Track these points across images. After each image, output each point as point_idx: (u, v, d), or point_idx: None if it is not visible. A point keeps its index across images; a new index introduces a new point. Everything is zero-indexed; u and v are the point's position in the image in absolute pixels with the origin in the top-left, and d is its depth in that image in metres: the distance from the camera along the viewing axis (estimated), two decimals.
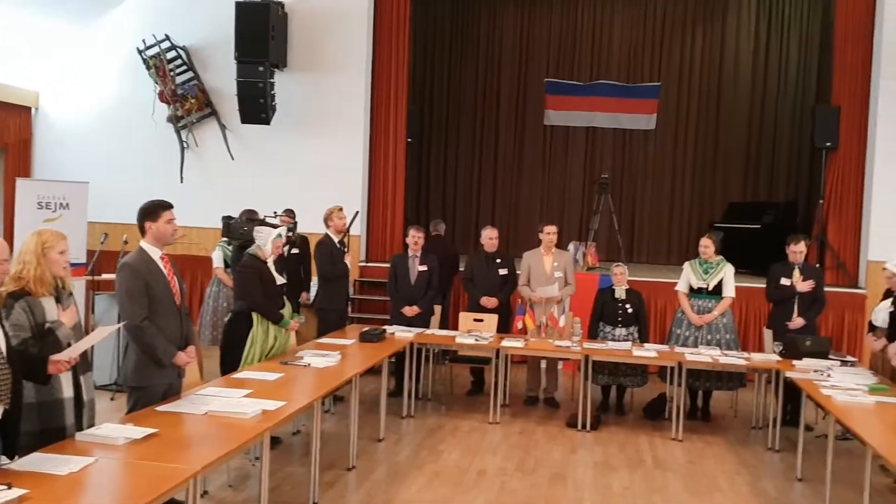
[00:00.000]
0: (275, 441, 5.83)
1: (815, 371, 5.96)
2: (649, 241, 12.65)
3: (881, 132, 9.07)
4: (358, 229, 9.59)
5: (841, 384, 5.50)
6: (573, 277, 7.60)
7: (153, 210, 4.31)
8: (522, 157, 12.84)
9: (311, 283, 7.82)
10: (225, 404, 4.17)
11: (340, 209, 7.30)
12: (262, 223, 6.30)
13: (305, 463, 5.11)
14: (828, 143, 9.54)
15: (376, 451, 5.97)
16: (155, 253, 4.30)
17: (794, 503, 5.30)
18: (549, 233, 7.50)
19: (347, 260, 7.29)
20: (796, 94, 12.08)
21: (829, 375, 5.81)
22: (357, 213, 9.08)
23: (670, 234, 12.60)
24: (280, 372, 5.13)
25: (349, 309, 8.15)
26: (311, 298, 7.65)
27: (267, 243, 5.66)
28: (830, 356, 6.46)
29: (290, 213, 7.93)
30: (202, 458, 3.39)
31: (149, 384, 4.26)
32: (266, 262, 5.70)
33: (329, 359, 5.58)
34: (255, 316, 5.60)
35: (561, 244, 10.46)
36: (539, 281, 7.42)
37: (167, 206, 4.35)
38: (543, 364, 7.77)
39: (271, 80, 9.61)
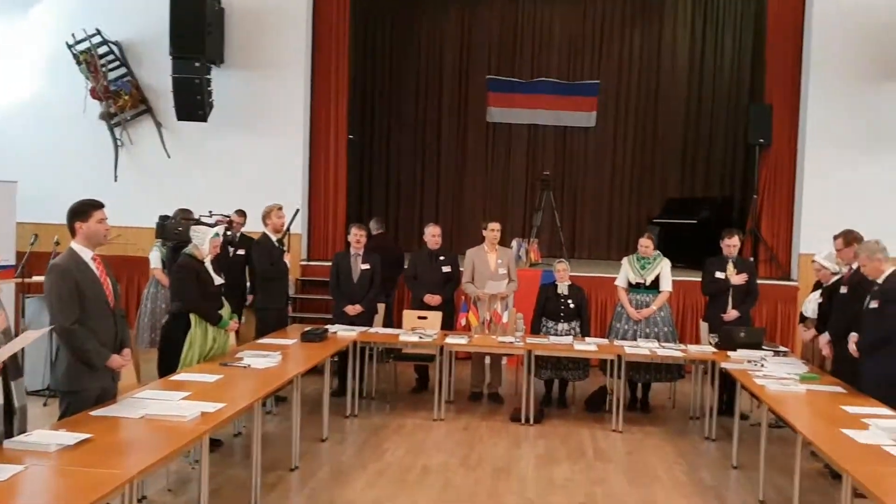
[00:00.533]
0: (215, 443, 5.75)
1: (749, 361, 6.13)
2: (590, 237, 12.83)
3: (811, 129, 9.36)
4: (299, 228, 9.48)
5: (774, 374, 5.66)
6: (516, 274, 7.66)
7: (83, 210, 4.19)
8: (465, 154, 12.89)
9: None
10: (162, 407, 4.09)
11: (279, 208, 7.21)
12: (198, 222, 6.19)
13: (247, 465, 5.04)
14: (761, 140, 9.80)
15: (319, 451, 5.93)
16: (86, 254, 4.17)
17: (730, 490, 5.44)
18: (493, 229, 7.54)
19: (287, 259, 7.20)
20: (731, 93, 12.38)
21: (762, 366, 5.98)
22: (297, 211, 8.95)
23: (610, 230, 12.79)
24: (219, 373, 5.05)
25: (290, 308, 8.06)
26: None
27: (204, 243, 5.57)
28: (764, 347, 6.65)
29: (241, 213, 7.83)
30: (138, 463, 3.32)
31: (81, 388, 4.14)
32: (203, 262, 5.60)
33: (270, 359, 5.51)
34: (192, 317, 5.50)
35: (504, 241, 10.51)
36: (483, 278, 7.45)
37: (98, 205, 4.23)
38: (487, 360, 7.81)
39: (208, 77, 9.44)
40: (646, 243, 7.28)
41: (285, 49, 9.81)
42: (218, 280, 5.67)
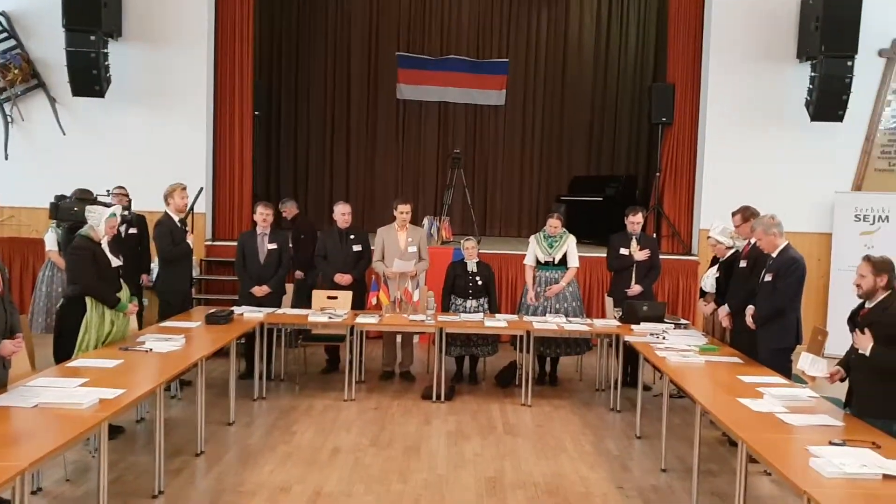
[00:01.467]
0: (117, 430, 5.58)
1: (651, 334, 6.33)
2: (501, 215, 12.95)
3: (711, 108, 9.66)
4: (203, 207, 9.21)
5: (674, 346, 5.86)
6: (427, 252, 7.65)
7: None
8: (376, 131, 12.78)
9: (152, 265, 7.45)
10: (57, 395, 3.95)
11: (183, 188, 6.95)
12: (95, 202, 5.93)
13: (150, 451, 4.89)
14: (663, 119, 10.07)
15: (226, 434, 5.80)
16: None
17: (634, 459, 5.60)
18: (403, 212, 7.49)
19: (190, 239, 6.97)
20: (635, 73, 12.66)
21: (663, 338, 6.18)
22: (201, 189, 8.72)
23: (521, 208, 12.95)
24: (119, 358, 4.90)
25: (193, 290, 7.84)
26: (153, 280, 7.29)
27: (100, 223, 5.34)
28: (665, 320, 6.87)
29: (122, 189, 7.51)
30: (30, 454, 3.18)
31: None
32: (100, 244, 5.37)
33: (172, 343, 5.37)
34: (89, 300, 5.29)
35: (416, 219, 10.53)
36: (393, 256, 7.42)
37: None
38: (399, 338, 7.81)
39: (105, 51, 9.01)
40: (554, 223, 7.38)
41: (186, 22, 9.44)
42: (115, 262, 5.46)
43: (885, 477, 3.15)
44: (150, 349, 5.18)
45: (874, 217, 9.22)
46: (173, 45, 9.41)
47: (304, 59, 12.58)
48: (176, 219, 6.85)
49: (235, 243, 7.55)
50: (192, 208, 7.74)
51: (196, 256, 8.61)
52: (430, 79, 12.48)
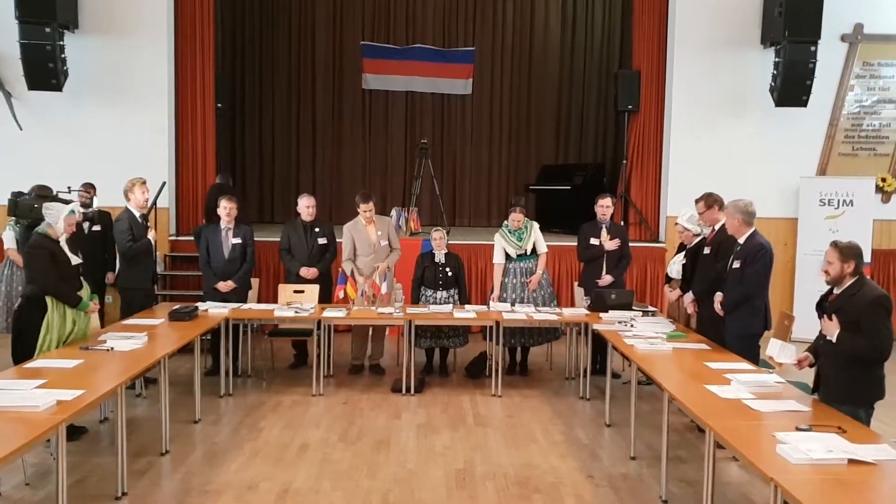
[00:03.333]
0: (79, 431, 5.47)
1: (620, 322, 6.33)
2: (470, 205, 12.91)
3: (676, 95, 9.69)
4: (166, 201, 9.06)
5: (642, 333, 5.87)
6: (397, 241, 7.58)
7: None
8: (342, 122, 12.65)
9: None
10: (13, 398, 3.84)
11: (143, 182, 6.80)
12: (55, 199, 5.78)
13: (114, 452, 4.76)
14: (629, 107, 10.09)
15: (192, 433, 5.70)
16: None
17: (603, 448, 5.60)
18: (366, 211, 7.38)
19: (151, 235, 6.83)
20: (601, 60, 12.66)
21: (632, 326, 6.18)
22: (164, 184, 8.57)
23: (490, 197, 12.91)
24: (79, 358, 4.78)
25: (157, 287, 7.70)
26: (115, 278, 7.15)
27: (58, 221, 5.19)
28: (633, 307, 6.88)
29: (88, 186, 7.36)
30: None
31: None
32: (58, 242, 5.23)
33: (135, 341, 5.26)
34: (49, 300, 5.15)
35: (385, 210, 10.47)
36: (366, 252, 7.32)
37: None
38: (370, 331, 7.73)
39: (61, 43, 8.79)
40: (518, 217, 7.33)
41: (146, 13, 9.23)
42: (75, 259, 5.32)
43: (851, 462, 3.15)
44: (112, 348, 5.06)
45: (839, 201, 9.32)
46: (133, 37, 9.20)
47: (267, 49, 12.40)
48: (137, 214, 6.70)
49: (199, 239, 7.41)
50: (154, 203, 7.59)
51: (160, 252, 8.47)
52: (396, 68, 12.39)
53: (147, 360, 4.95)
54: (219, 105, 9.99)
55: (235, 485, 4.72)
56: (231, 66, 12.03)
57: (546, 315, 6.85)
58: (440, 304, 7.25)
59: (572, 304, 7.84)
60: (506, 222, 7.42)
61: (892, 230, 9.73)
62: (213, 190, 9.14)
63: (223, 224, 7.09)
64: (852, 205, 9.27)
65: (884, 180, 9.69)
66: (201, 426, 5.86)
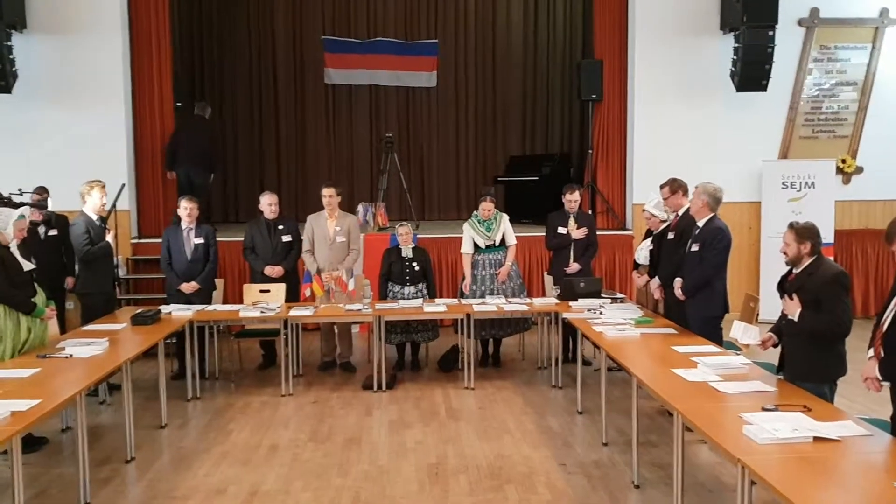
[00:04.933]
0: (40, 442, 5.34)
1: (589, 310, 6.33)
2: (438, 198, 12.84)
3: (639, 83, 9.70)
4: (126, 203, 8.88)
5: (611, 320, 5.87)
6: (358, 242, 7.49)
7: None
8: (305, 118, 12.50)
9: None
10: None
11: (103, 186, 6.64)
12: (5, 203, 5.63)
13: (76, 461, 4.65)
14: (593, 96, 10.09)
15: (158, 438, 5.60)
16: None
17: (575, 435, 5.60)
18: (326, 195, 7.30)
19: (110, 237, 6.68)
20: (564, 50, 12.65)
21: (601, 313, 6.18)
22: (123, 186, 8.41)
23: (458, 190, 12.85)
24: (36, 367, 4.67)
25: (119, 290, 7.55)
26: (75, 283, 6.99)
27: (7, 226, 5.04)
28: (602, 295, 6.89)
29: (42, 190, 7.19)
30: None
31: None
32: (8, 248, 5.08)
33: (95, 347, 5.14)
34: (1, 308, 5.01)
35: (352, 205, 10.38)
36: (321, 245, 7.27)
37: None
38: (336, 329, 7.66)
39: (8, 44, 8.56)
40: (488, 206, 7.31)
41: (98, 10, 8.98)
42: (27, 265, 5.18)
43: (816, 439, 3.16)
44: (71, 355, 4.95)
45: (801, 184, 9.41)
46: (84, 36, 8.97)
47: (226, 46, 12.21)
48: (94, 217, 6.54)
49: (161, 240, 7.27)
50: (114, 205, 7.44)
51: (121, 255, 8.31)
52: (359, 62, 12.24)
53: (108, 365, 4.84)
54: (178, 104, 9.81)
55: (203, 489, 4.64)
56: (189, 64, 11.84)
57: (517, 305, 6.84)
58: (409, 298, 7.19)
59: (543, 294, 7.83)
60: (476, 212, 7.38)
61: (853, 210, 9.85)
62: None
63: (184, 224, 6.97)
64: (814, 187, 9.37)
65: (844, 162, 9.80)
66: (168, 431, 5.75)
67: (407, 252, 7.36)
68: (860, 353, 4.32)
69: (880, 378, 3.50)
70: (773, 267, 9.15)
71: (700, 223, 5.55)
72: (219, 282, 7.41)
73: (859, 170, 9.86)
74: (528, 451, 5.24)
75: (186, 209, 6.93)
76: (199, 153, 9.41)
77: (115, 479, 4.83)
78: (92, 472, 4.57)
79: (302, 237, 7.42)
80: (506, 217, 7.42)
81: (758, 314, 5.92)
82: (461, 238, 7.46)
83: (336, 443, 5.44)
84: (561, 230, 7.38)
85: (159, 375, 5.92)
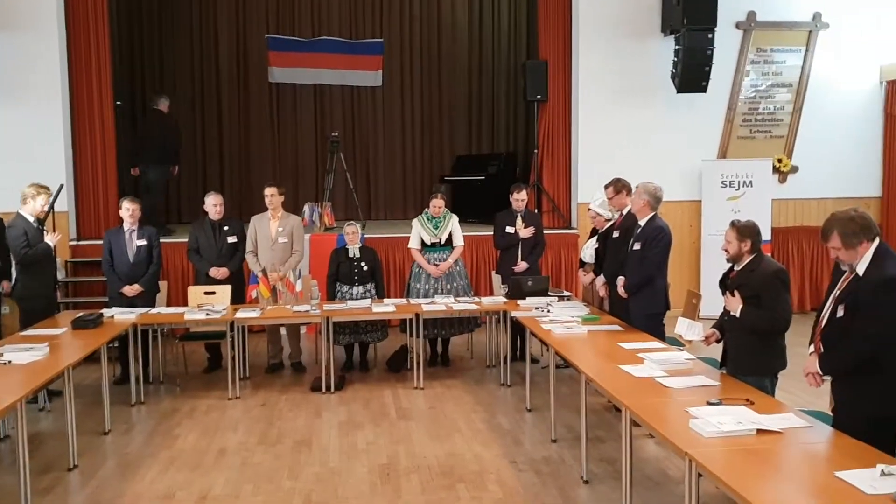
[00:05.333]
0: None
1: (537, 308, 6.40)
2: (385, 198, 12.79)
3: (583, 84, 9.84)
4: (65, 205, 8.64)
5: (559, 318, 5.95)
6: (301, 244, 7.42)
7: None
8: (249, 117, 12.32)
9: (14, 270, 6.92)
10: None
11: (49, 193, 6.46)
12: None
13: (16, 471, 4.52)
14: (538, 96, 10.18)
15: (102, 445, 5.47)
16: None
17: (525, 433, 5.66)
18: (268, 195, 7.24)
19: (49, 239, 6.49)
20: (509, 50, 12.73)
21: (548, 311, 6.26)
22: (61, 186, 8.17)
23: (405, 190, 12.83)
24: None
25: (59, 294, 7.34)
26: (13, 286, 6.76)
27: None
28: (550, 293, 6.97)
29: None
30: None
31: None
32: None
33: (35, 352, 5.00)
34: None
35: (298, 205, 10.28)
36: (264, 246, 7.19)
37: None
38: (284, 330, 7.59)
39: None
40: (438, 203, 7.34)
41: (31, 7, 8.69)
42: None
43: (760, 431, 3.26)
44: (9, 361, 4.80)
45: (739, 183, 9.67)
46: (19, 32, 8.65)
47: (167, 43, 11.96)
48: (31, 219, 6.35)
49: (102, 242, 7.10)
50: (52, 207, 7.22)
51: (60, 258, 8.08)
52: (303, 61, 12.10)
53: (49, 371, 4.71)
54: (118, 102, 9.58)
55: (149, 496, 4.56)
56: (129, 62, 11.56)
57: (465, 305, 6.87)
58: (357, 299, 7.17)
59: (490, 293, 7.89)
60: (426, 209, 7.40)
61: (788, 209, 10.16)
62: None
63: (126, 226, 6.82)
64: (752, 186, 9.64)
65: (780, 161, 10.10)
66: (112, 437, 5.63)
67: (354, 252, 7.33)
68: (799, 348, 4.47)
69: (821, 373, 3.61)
70: (714, 264, 9.39)
71: (641, 222, 5.67)
72: (162, 284, 7.27)
73: (794, 169, 10.17)
74: (478, 450, 5.27)
75: (128, 210, 6.78)
76: (157, 147, 9.38)
77: (57, 488, 4.70)
78: (33, 482, 4.44)
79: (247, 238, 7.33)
80: (455, 218, 7.45)
81: (699, 310, 6.05)
82: (408, 237, 7.47)
83: (286, 445, 5.40)
84: (509, 229, 7.44)
85: (103, 380, 5.78)
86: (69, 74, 9.02)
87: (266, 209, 7.31)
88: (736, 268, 4.38)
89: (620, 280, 5.78)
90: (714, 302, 5.83)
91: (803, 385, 3.92)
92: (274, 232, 7.22)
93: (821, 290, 9.88)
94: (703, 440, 3.23)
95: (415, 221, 7.46)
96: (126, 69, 11.19)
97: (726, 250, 4.38)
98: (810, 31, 10.03)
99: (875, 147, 10.22)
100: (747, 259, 4.30)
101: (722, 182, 9.72)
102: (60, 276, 7.91)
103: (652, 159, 9.41)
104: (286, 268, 7.16)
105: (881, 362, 3.39)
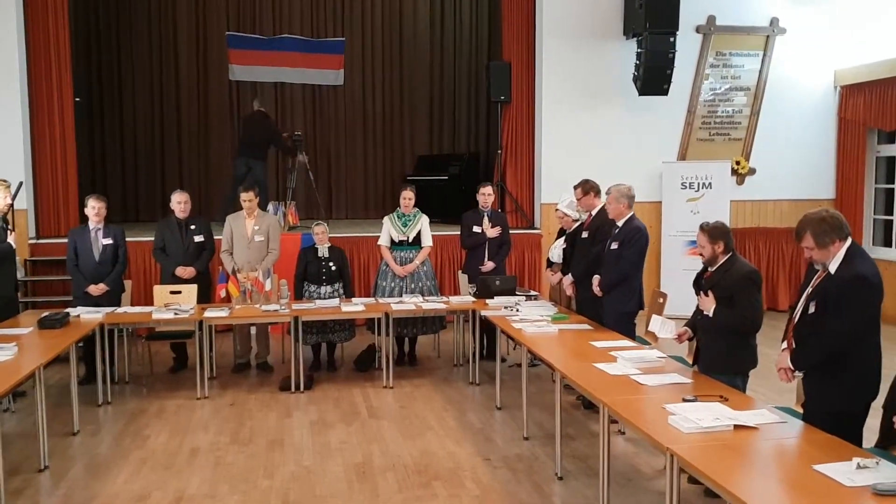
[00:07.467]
0: None
1: (506, 308, 6.47)
2: (348, 197, 12.78)
3: (546, 85, 9.96)
4: (24, 203, 8.45)
5: (528, 317, 6.03)
6: (277, 243, 7.39)
7: None
8: (208, 114, 12.19)
9: None
10: None
11: (8, 186, 6.31)
12: None
13: None
14: (502, 97, 10.27)
15: (71, 446, 5.38)
16: None
17: (496, 430, 5.72)
18: (246, 200, 7.22)
19: (12, 239, 6.36)
20: (471, 51, 12.82)
21: (517, 310, 6.34)
22: (21, 184, 8.00)
23: (367, 189, 12.82)
24: None
25: (19, 294, 7.19)
26: None
27: None
28: (517, 292, 7.06)
29: None
30: None
31: None
32: None
33: (4, 352, 4.90)
34: None
35: (260, 204, 10.17)
36: (240, 244, 7.15)
37: None
38: (253, 330, 7.54)
39: None
40: (408, 195, 7.38)
41: None
42: None
43: (737, 427, 3.37)
44: None
45: (699, 184, 9.89)
46: None
47: (126, 39, 11.76)
48: None
49: (63, 240, 6.99)
50: (12, 205, 7.05)
51: (20, 256, 7.90)
52: (264, 59, 11.98)
53: (19, 372, 4.63)
54: (77, 99, 9.40)
55: (124, 496, 4.51)
56: (87, 58, 11.34)
57: (434, 304, 6.92)
58: (325, 298, 7.16)
59: (456, 292, 7.94)
60: (398, 208, 7.42)
61: (746, 210, 10.42)
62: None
63: (92, 224, 6.71)
64: (711, 187, 9.87)
65: (738, 163, 10.36)
66: (81, 438, 5.54)
67: (323, 251, 7.33)
68: (767, 348, 4.63)
69: (793, 368, 3.74)
70: (674, 264, 9.65)
71: (620, 223, 5.77)
72: (127, 283, 7.17)
73: (752, 171, 10.45)
74: (452, 448, 5.32)
75: (94, 208, 6.68)
76: (262, 145, 10.44)
77: (28, 490, 4.62)
78: (3, 484, 4.35)
79: (215, 237, 7.27)
80: (425, 218, 7.49)
81: (664, 309, 6.20)
82: (371, 237, 7.48)
83: (259, 445, 5.38)
84: (476, 229, 7.51)
85: (71, 380, 5.69)
86: (27, 70, 8.82)
87: (224, 212, 7.24)
88: (710, 268, 4.49)
89: (596, 279, 5.88)
90: (676, 301, 6.06)
91: (769, 383, 4.06)
92: (250, 231, 7.18)
93: (777, 291, 10.19)
94: (682, 436, 3.32)
95: (385, 219, 7.50)
96: (84, 66, 10.98)
97: (701, 255, 4.49)
98: (768, 37, 10.31)
99: (829, 150, 10.55)
100: (721, 260, 4.42)
101: (682, 183, 9.93)
102: (20, 275, 7.73)
103: (614, 160, 9.56)
104: (263, 266, 7.12)
105: (850, 358, 3.53)
